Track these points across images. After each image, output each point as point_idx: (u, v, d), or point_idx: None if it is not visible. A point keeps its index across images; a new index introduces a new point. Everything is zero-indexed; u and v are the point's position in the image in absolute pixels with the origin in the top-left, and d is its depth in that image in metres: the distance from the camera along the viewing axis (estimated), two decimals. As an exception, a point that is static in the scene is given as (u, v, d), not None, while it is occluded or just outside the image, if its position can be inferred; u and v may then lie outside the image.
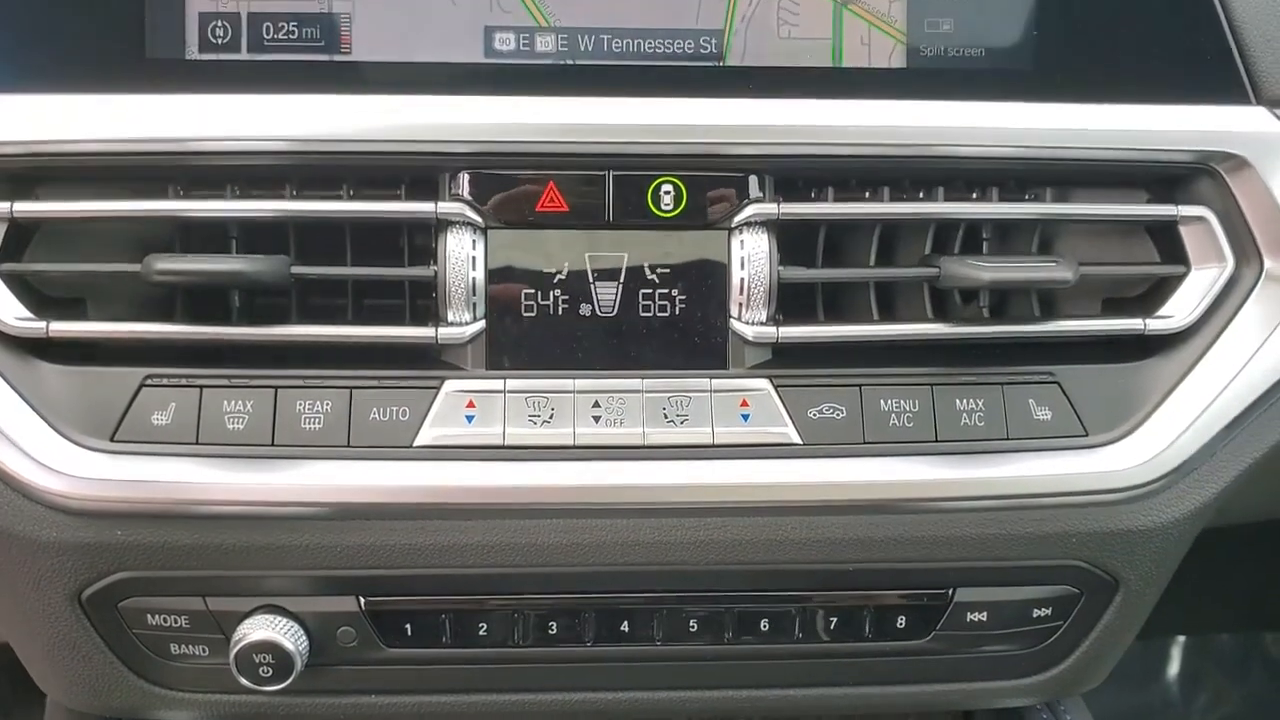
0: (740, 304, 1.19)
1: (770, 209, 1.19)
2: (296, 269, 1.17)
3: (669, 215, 1.19)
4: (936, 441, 1.20)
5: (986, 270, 1.18)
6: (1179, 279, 1.25)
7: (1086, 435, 1.23)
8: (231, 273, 1.15)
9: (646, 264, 1.20)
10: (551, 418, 1.18)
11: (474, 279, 1.18)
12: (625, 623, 1.26)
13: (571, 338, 1.19)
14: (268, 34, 1.19)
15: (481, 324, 1.19)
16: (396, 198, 1.21)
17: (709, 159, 1.19)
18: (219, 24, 1.18)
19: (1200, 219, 1.24)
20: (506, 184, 1.18)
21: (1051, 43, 1.22)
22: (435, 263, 1.18)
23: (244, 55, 1.19)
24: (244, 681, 1.21)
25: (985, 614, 1.28)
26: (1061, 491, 1.22)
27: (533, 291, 1.19)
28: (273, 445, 1.16)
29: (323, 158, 1.18)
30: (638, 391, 1.19)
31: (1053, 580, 1.29)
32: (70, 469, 1.15)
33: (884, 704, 1.39)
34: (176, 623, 1.23)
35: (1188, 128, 1.21)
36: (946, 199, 1.26)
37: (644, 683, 1.32)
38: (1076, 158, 1.22)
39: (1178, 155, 1.22)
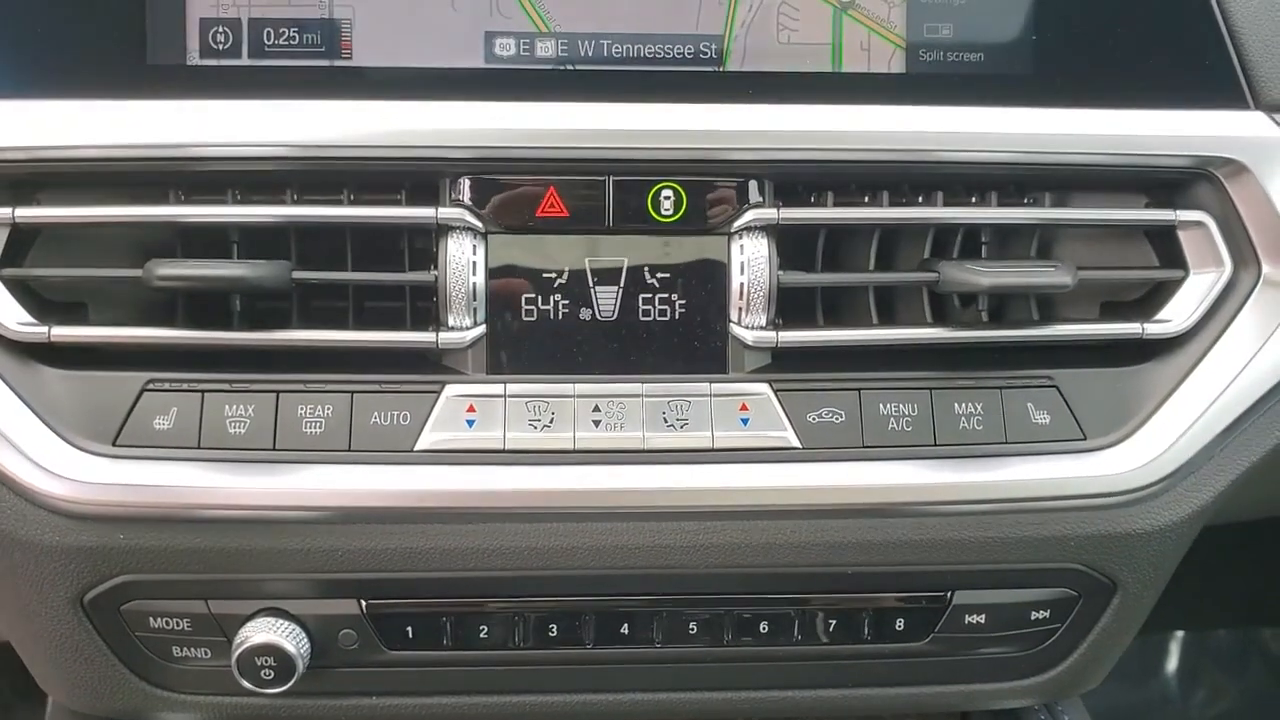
0: (740, 308, 1.20)
1: (770, 214, 1.19)
2: (297, 274, 1.17)
3: (669, 220, 1.19)
4: (935, 445, 1.21)
5: (985, 275, 1.19)
6: (1177, 283, 1.26)
7: (1085, 439, 1.23)
8: (233, 278, 1.15)
9: (646, 269, 1.20)
10: (552, 422, 1.19)
11: (474, 284, 1.18)
12: (625, 625, 1.27)
13: (572, 342, 1.20)
14: (268, 39, 1.19)
15: (482, 329, 1.19)
16: (397, 203, 1.22)
17: (709, 164, 1.19)
18: (220, 30, 1.19)
19: (1198, 224, 1.25)
20: (507, 189, 1.18)
21: (1050, 48, 1.22)
22: (436, 267, 1.18)
23: (245, 61, 1.19)
24: (246, 684, 1.21)
25: (983, 616, 1.29)
26: (1060, 495, 1.23)
27: (533, 296, 1.19)
28: (274, 449, 1.17)
29: (323, 163, 1.18)
30: (638, 396, 1.19)
31: (1051, 583, 1.29)
32: (73, 473, 1.16)
33: (883, 705, 1.40)
34: (178, 625, 1.23)
35: (1186, 133, 1.22)
36: (945, 204, 1.26)
37: (644, 684, 1.33)
38: (1075, 163, 1.22)
39: (1176, 160, 1.23)
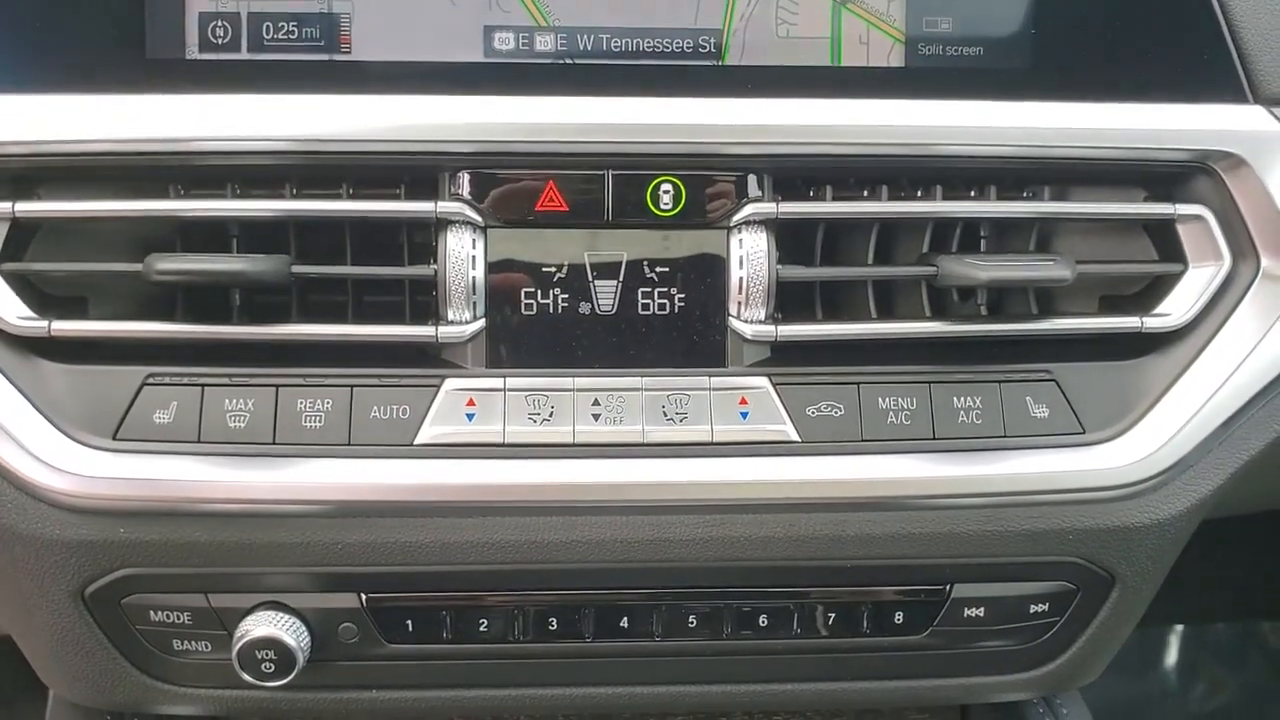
0: (739, 302, 1.20)
1: (769, 208, 1.20)
2: (297, 268, 1.17)
3: (668, 214, 1.19)
4: (934, 439, 1.21)
5: (984, 269, 1.19)
6: (1176, 277, 1.26)
7: (1083, 432, 1.23)
8: (232, 272, 1.15)
9: (645, 263, 1.20)
10: (551, 416, 1.19)
11: (474, 278, 1.18)
12: (625, 619, 1.27)
13: (571, 336, 1.20)
14: (268, 34, 1.19)
15: (481, 323, 1.19)
16: (396, 197, 1.22)
17: (708, 158, 1.19)
18: (219, 24, 1.19)
19: (1197, 217, 1.24)
20: (506, 183, 1.18)
21: (1050, 42, 1.22)
22: (435, 261, 1.19)
23: (244, 55, 1.19)
24: (246, 677, 1.21)
25: (982, 609, 1.29)
26: (1058, 488, 1.23)
27: (532, 290, 1.20)
28: (274, 444, 1.17)
29: (322, 157, 1.18)
30: (637, 390, 1.20)
31: (1049, 576, 1.29)
32: (73, 467, 1.16)
33: (881, 698, 1.40)
34: (179, 619, 1.24)
35: (1185, 127, 1.21)
36: (944, 198, 1.26)
37: (643, 678, 1.33)
38: (1074, 156, 1.23)
39: (1175, 154, 1.23)
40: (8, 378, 1.17)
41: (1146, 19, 1.23)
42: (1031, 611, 1.30)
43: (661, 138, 1.18)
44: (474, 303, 1.19)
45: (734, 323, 1.20)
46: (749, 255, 1.19)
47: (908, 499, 1.22)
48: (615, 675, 1.33)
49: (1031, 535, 1.25)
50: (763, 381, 1.21)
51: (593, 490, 1.19)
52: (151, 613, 1.24)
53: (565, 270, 1.20)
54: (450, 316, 1.19)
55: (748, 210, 1.19)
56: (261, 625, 1.21)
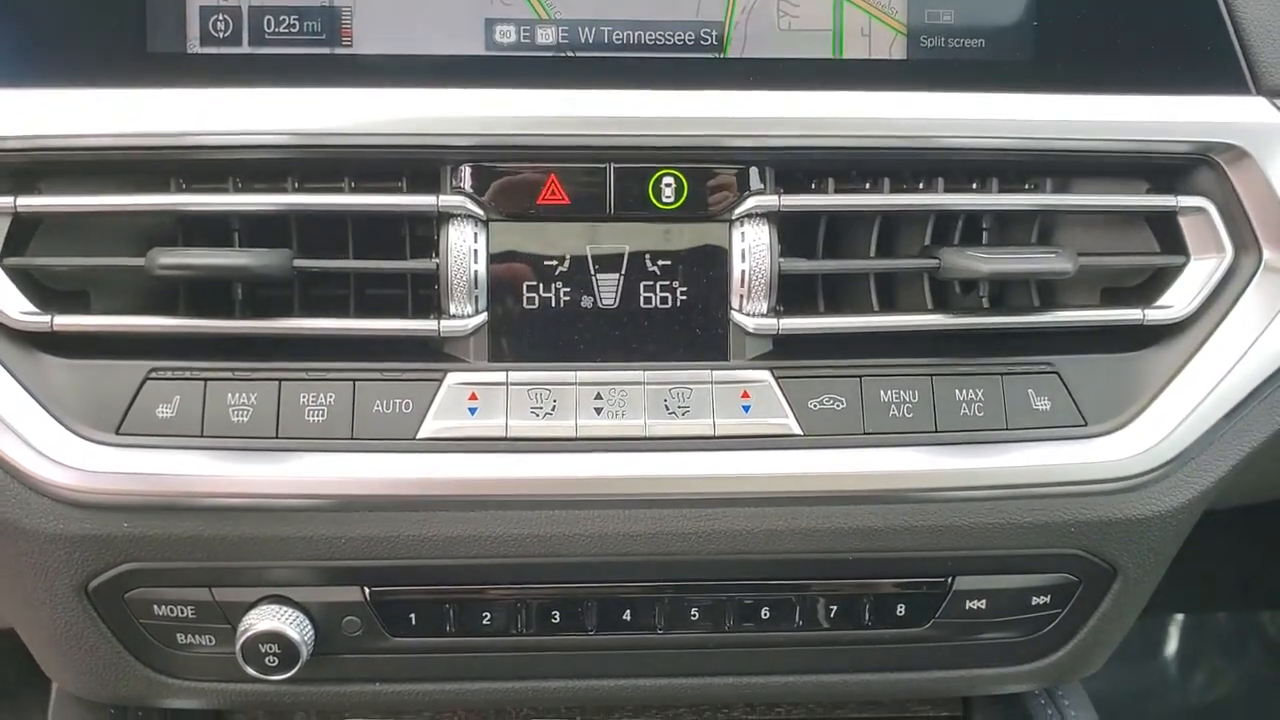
0: (741, 295, 1.20)
1: (771, 201, 1.19)
2: (299, 262, 1.17)
3: (670, 207, 1.19)
4: (936, 432, 1.21)
5: (986, 262, 1.19)
6: (1178, 269, 1.26)
7: (1085, 425, 1.23)
8: (235, 267, 1.15)
9: (648, 256, 1.20)
10: (554, 409, 1.19)
11: (476, 271, 1.18)
12: (627, 611, 1.27)
13: (573, 330, 1.20)
14: (269, 27, 1.19)
15: (483, 316, 1.19)
16: (398, 190, 1.22)
17: (710, 151, 1.19)
18: (220, 17, 1.18)
19: (1199, 209, 1.24)
20: (508, 177, 1.18)
21: (1051, 33, 1.22)
22: (437, 255, 1.18)
23: (245, 49, 1.19)
24: (250, 671, 1.22)
25: (984, 602, 1.29)
26: (1060, 481, 1.23)
27: (534, 284, 1.20)
28: (277, 438, 1.17)
29: (324, 151, 1.18)
30: (639, 383, 1.20)
31: (1051, 569, 1.30)
32: (76, 462, 1.16)
33: (884, 690, 1.40)
34: (183, 613, 1.24)
35: (1187, 118, 1.21)
36: (946, 190, 1.26)
37: (646, 670, 1.33)
38: (1076, 148, 1.22)
39: (1177, 146, 1.23)
40: (10, 372, 1.17)
41: (1148, 10, 1.23)
42: (1033, 604, 1.30)
43: (663, 131, 1.17)
44: (476, 296, 1.19)
45: (736, 316, 1.20)
46: (751, 248, 1.19)
47: (909, 492, 1.23)
48: (618, 668, 1.33)
49: (1033, 528, 1.25)
50: (765, 375, 1.21)
51: (595, 484, 1.19)
52: (155, 607, 1.24)
53: (567, 264, 1.20)
54: (452, 310, 1.19)
55: (750, 203, 1.19)
56: (265, 619, 1.21)
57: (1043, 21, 1.22)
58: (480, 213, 1.18)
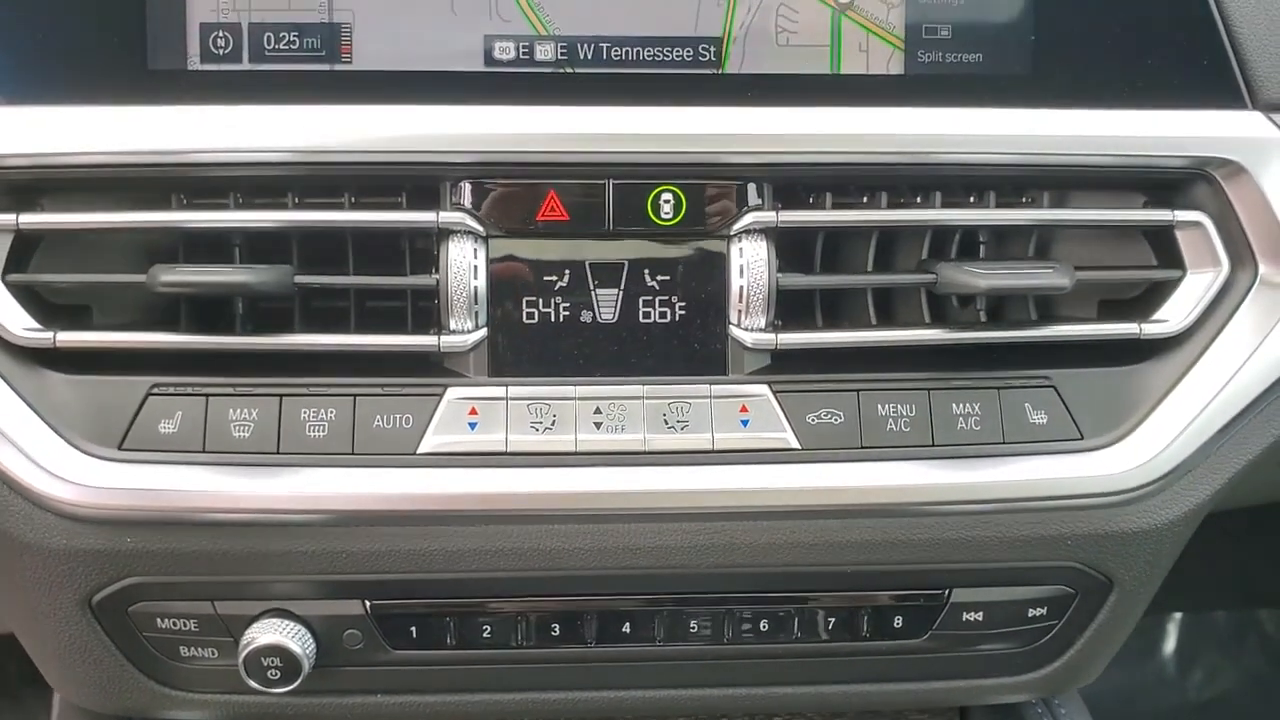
0: (739, 310, 1.20)
1: (769, 217, 1.20)
2: (300, 278, 1.18)
3: (669, 223, 1.20)
4: (933, 445, 1.22)
5: (983, 277, 1.19)
6: (1174, 283, 1.26)
7: (1082, 439, 1.24)
8: (236, 283, 1.16)
9: (646, 271, 1.21)
10: (554, 424, 1.19)
11: (476, 287, 1.19)
12: (627, 624, 1.28)
13: (573, 344, 1.21)
14: (269, 44, 1.19)
15: (483, 332, 1.20)
16: (398, 206, 1.22)
17: (708, 167, 1.20)
18: (220, 34, 1.19)
19: (1196, 224, 1.25)
20: (507, 193, 1.19)
21: (1049, 49, 1.22)
22: (437, 271, 1.19)
23: (245, 65, 1.19)
24: (252, 684, 1.22)
25: (981, 614, 1.30)
26: (1057, 495, 1.24)
27: (534, 299, 1.20)
28: (278, 453, 1.17)
29: (324, 168, 1.18)
30: (639, 398, 1.20)
31: (1048, 581, 1.30)
32: (79, 477, 1.17)
33: (881, 701, 1.41)
34: (186, 626, 1.25)
35: (1184, 133, 1.22)
36: (944, 204, 1.27)
37: (645, 681, 1.34)
38: (1073, 163, 1.23)
39: (1174, 161, 1.23)
40: (13, 388, 1.18)
41: (1145, 25, 1.23)
42: (1030, 615, 1.31)
43: (662, 147, 1.18)
44: (476, 312, 1.19)
45: (734, 331, 1.21)
46: (749, 263, 1.20)
47: (907, 505, 1.23)
48: (617, 679, 1.34)
49: (1030, 541, 1.26)
50: (763, 389, 1.21)
51: (595, 498, 1.20)
52: (158, 620, 1.25)
53: (567, 279, 1.20)
54: (452, 326, 1.20)
55: (748, 219, 1.20)
56: (267, 632, 1.22)
57: (1040, 37, 1.22)
58: (480, 229, 1.19)
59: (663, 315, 1.21)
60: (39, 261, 1.21)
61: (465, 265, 1.18)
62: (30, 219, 1.17)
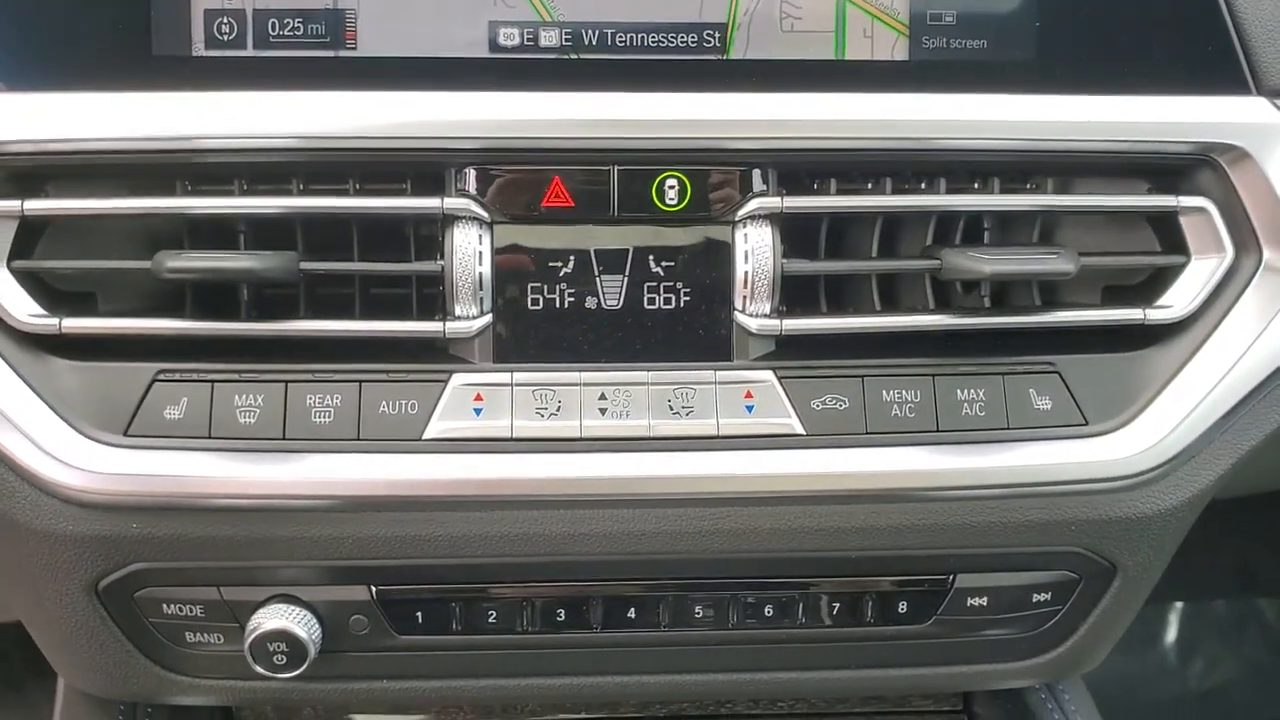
0: (744, 296, 1.21)
1: (774, 202, 1.20)
2: (305, 265, 1.18)
3: (673, 209, 1.20)
4: (938, 431, 1.22)
5: (987, 263, 1.20)
6: (1179, 269, 1.26)
7: (1086, 424, 1.24)
8: (242, 270, 1.16)
9: (651, 257, 1.21)
10: (559, 410, 1.19)
11: (480, 273, 1.19)
12: (632, 609, 1.28)
13: (578, 331, 1.21)
14: (273, 30, 1.19)
15: (488, 318, 1.20)
16: (402, 193, 1.22)
17: (713, 153, 1.20)
18: (224, 21, 1.19)
19: (1200, 209, 1.25)
20: (512, 179, 1.19)
21: (1053, 34, 1.22)
22: (442, 257, 1.19)
23: (250, 52, 1.19)
24: (259, 669, 1.23)
25: (985, 599, 1.30)
26: (1061, 480, 1.24)
27: (539, 285, 1.20)
28: (284, 439, 1.18)
29: (329, 154, 1.18)
30: (643, 384, 1.20)
31: (1052, 566, 1.31)
32: (85, 463, 1.17)
33: (886, 686, 1.42)
34: (192, 612, 1.25)
35: (1188, 119, 1.22)
36: (948, 190, 1.27)
37: (650, 667, 1.35)
38: (1078, 149, 1.23)
39: (1178, 146, 1.23)
40: (19, 375, 1.18)
41: (1149, 11, 1.23)
42: (1034, 601, 1.31)
43: (667, 133, 1.18)
44: (481, 298, 1.19)
45: (739, 317, 1.21)
46: (754, 249, 1.20)
47: (911, 491, 1.23)
48: (622, 664, 1.34)
49: (1034, 526, 1.26)
50: (768, 375, 1.21)
51: (600, 484, 1.20)
52: (164, 606, 1.25)
53: (571, 265, 1.20)
54: (457, 311, 1.20)
55: (753, 205, 1.20)
56: (273, 618, 1.22)
57: (1044, 22, 1.22)
58: (485, 215, 1.19)
59: (667, 301, 1.21)
60: (44, 248, 1.21)
61: (470, 251, 1.18)
62: (35, 205, 1.17)
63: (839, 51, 1.22)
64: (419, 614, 1.27)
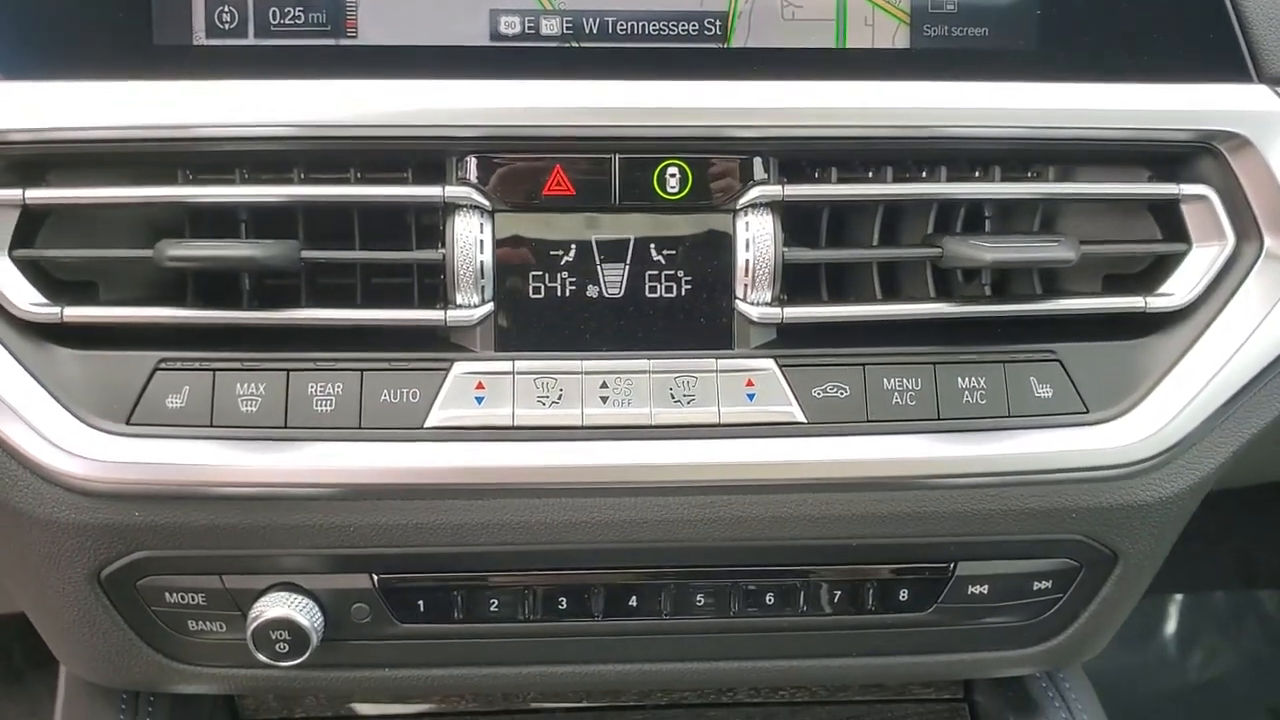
0: (745, 285, 1.21)
1: (775, 190, 1.20)
2: (306, 253, 1.18)
3: (675, 197, 1.20)
4: (939, 419, 1.22)
5: (989, 251, 1.20)
6: (1180, 257, 1.26)
7: (1087, 412, 1.24)
8: (243, 258, 1.16)
9: (652, 246, 1.21)
10: (560, 398, 1.20)
11: (482, 262, 1.19)
12: (634, 597, 1.29)
13: (579, 319, 1.21)
14: (274, 19, 1.19)
15: (490, 306, 1.20)
16: (404, 181, 1.22)
17: (714, 141, 1.20)
18: (225, 9, 1.19)
19: (1201, 197, 1.25)
20: (513, 168, 1.19)
21: (1054, 22, 1.22)
22: (443, 245, 1.19)
23: (251, 40, 1.19)
24: (261, 657, 1.23)
25: (986, 587, 1.31)
26: (1062, 468, 1.24)
27: (540, 274, 1.20)
28: (285, 427, 1.18)
29: (330, 142, 1.18)
30: (645, 372, 1.20)
31: (1053, 554, 1.31)
32: (87, 452, 1.17)
33: (886, 674, 1.42)
34: (194, 600, 1.25)
35: (1189, 107, 1.22)
36: (949, 178, 1.27)
37: (651, 655, 1.35)
38: (1079, 137, 1.23)
39: (1179, 134, 1.23)
40: (21, 363, 1.18)
41: None
42: (1035, 589, 1.32)
43: (668, 121, 1.18)
44: (482, 286, 1.19)
45: (740, 305, 1.21)
46: (755, 238, 1.20)
47: (912, 479, 1.23)
48: (623, 652, 1.34)
49: (1035, 514, 1.26)
50: (769, 363, 1.22)
51: (602, 472, 1.20)
52: (167, 594, 1.25)
53: (573, 253, 1.20)
54: (459, 300, 1.20)
55: (754, 193, 1.20)
56: (275, 606, 1.22)
57: (1045, 10, 1.22)
58: (486, 203, 1.19)
59: (669, 289, 1.21)
60: (45, 237, 1.21)
61: (471, 240, 1.18)
62: (36, 194, 1.17)
63: (840, 40, 1.22)
64: (421, 602, 1.27)
